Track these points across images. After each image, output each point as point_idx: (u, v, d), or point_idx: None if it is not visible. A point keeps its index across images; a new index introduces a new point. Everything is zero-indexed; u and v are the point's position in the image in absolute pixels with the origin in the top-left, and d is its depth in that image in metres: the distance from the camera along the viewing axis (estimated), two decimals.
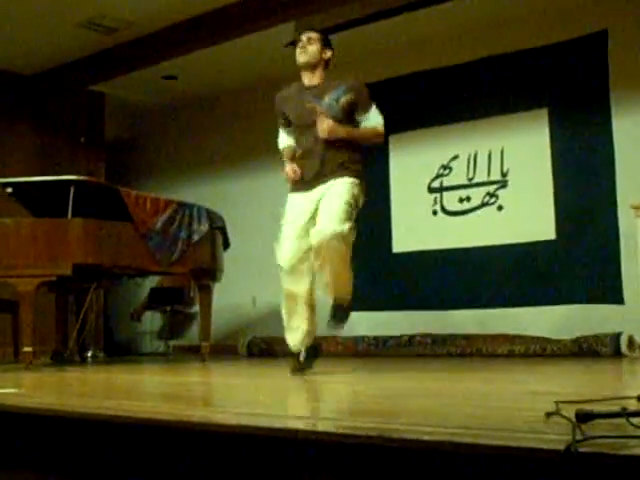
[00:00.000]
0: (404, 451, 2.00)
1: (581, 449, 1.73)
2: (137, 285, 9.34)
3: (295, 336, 5.23)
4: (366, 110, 5.04)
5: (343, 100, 4.97)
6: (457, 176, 7.97)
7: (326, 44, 5.14)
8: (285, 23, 7.61)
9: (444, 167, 8.09)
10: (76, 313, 7.76)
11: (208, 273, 7.49)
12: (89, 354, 8.44)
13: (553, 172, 7.50)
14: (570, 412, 2.11)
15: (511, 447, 1.86)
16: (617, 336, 6.76)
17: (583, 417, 2.04)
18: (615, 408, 2.14)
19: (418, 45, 8.19)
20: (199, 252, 7.31)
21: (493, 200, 7.82)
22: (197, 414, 2.81)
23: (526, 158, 7.68)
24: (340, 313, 5.09)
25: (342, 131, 4.94)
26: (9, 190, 6.77)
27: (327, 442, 2.15)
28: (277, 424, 2.35)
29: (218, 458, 2.41)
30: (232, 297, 9.15)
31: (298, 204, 5.09)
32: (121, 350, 10.16)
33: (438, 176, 8.08)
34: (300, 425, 2.33)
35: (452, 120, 8.04)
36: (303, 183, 5.07)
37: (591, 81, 7.35)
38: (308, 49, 5.06)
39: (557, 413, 2.27)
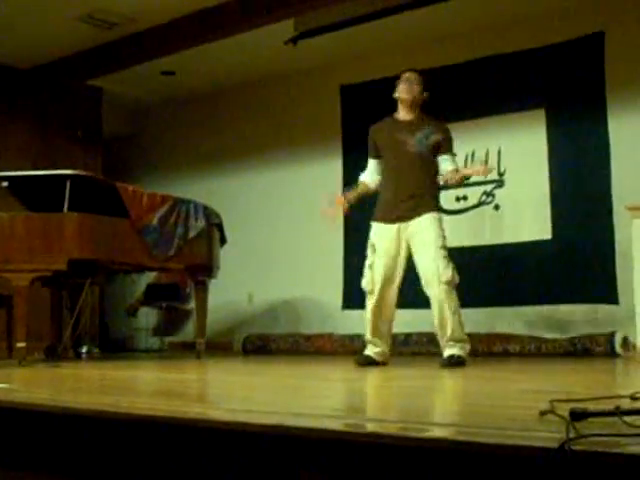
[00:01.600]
0: (397, 449, 2.00)
1: (575, 447, 1.73)
2: (133, 281, 9.34)
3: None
4: (448, 152, 5.65)
5: (432, 138, 5.60)
6: None
7: (425, 87, 5.76)
8: (284, 20, 7.60)
9: None
10: (71, 309, 7.72)
11: (204, 269, 7.48)
12: (84, 350, 8.42)
13: (550, 172, 7.52)
14: (564, 411, 2.12)
15: (505, 445, 1.86)
16: (611, 336, 6.78)
17: (577, 415, 2.05)
18: (609, 407, 2.15)
19: (415, 44, 8.19)
20: (195, 248, 7.30)
21: (490, 199, 7.83)
22: (192, 410, 2.81)
23: (523, 158, 7.69)
24: (451, 363, 5.37)
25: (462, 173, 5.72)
26: (5, 184, 6.75)
27: (322, 439, 2.15)
28: (272, 421, 2.35)
29: (213, 454, 2.41)
30: (228, 294, 9.15)
31: (386, 234, 5.60)
32: (116, 346, 10.16)
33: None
34: (295, 422, 2.33)
35: (450, 119, 7.97)
36: (391, 212, 5.60)
37: (588, 82, 7.36)
38: (414, 88, 5.69)
39: (551, 411, 2.27)
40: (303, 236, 9.05)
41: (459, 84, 8.08)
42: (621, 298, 6.92)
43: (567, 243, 7.38)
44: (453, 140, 5.73)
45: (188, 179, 10.03)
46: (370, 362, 5.60)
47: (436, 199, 5.70)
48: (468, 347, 5.52)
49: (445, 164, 5.63)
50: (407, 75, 5.71)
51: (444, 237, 5.49)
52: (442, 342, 5.50)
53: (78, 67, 8.98)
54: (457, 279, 5.44)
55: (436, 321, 5.48)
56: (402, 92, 5.66)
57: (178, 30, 7.90)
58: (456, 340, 5.43)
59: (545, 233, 7.50)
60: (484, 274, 7.74)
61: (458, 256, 7.74)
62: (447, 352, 5.43)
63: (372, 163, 5.89)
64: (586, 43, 7.36)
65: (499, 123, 7.83)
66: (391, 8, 7.31)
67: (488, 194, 7.83)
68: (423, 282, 5.50)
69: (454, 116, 7.99)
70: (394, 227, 5.55)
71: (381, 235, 5.61)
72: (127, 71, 8.93)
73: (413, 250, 5.52)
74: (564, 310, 7.33)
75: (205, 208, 7.42)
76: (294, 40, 8.05)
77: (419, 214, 5.49)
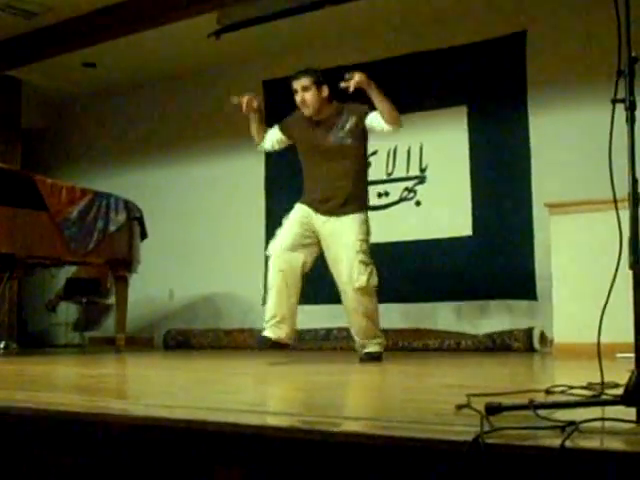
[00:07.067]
0: (313, 443, 2.00)
1: (489, 440, 1.75)
2: (52, 275, 9.18)
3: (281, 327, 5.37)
4: (369, 113, 5.32)
5: (348, 127, 5.32)
6: (376, 171, 7.98)
7: (319, 82, 5.36)
8: (208, 13, 7.55)
9: None
10: None
11: (124, 264, 7.41)
12: (1, 345, 8.27)
13: (471, 169, 7.60)
14: (480, 405, 2.14)
15: (421, 439, 1.87)
16: (529, 331, 6.89)
17: (492, 409, 2.08)
18: (523, 401, 2.18)
19: (337, 40, 8.21)
20: (116, 243, 7.23)
21: (411, 195, 7.88)
22: (108, 405, 2.78)
23: (444, 154, 7.77)
24: (369, 359, 5.37)
25: (370, 82, 5.23)
26: None
27: (239, 434, 2.14)
28: (189, 416, 2.33)
29: (129, 450, 2.37)
30: (149, 289, 9.08)
31: (304, 215, 5.40)
32: (35, 341, 9.99)
33: None
34: (212, 417, 2.31)
35: None
36: (315, 203, 5.39)
37: (509, 80, 7.47)
38: (307, 100, 5.32)
39: (467, 406, 2.29)
40: (224, 231, 9.02)
41: (381, 80, 8.01)
42: (540, 294, 7.04)
43: (487, 239, 7.48)
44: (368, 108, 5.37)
45: (108, 173, 9.91)
46: (273, 345, 5.32)
47: (362, 197, 5.45)
48: (384, 341, 5.52)
49: (375, 120, 5.29)
50: (296, 86, 5.36)
51: (366, 240, 5.32)
52: (357, 340, 5.49)
53: None
54: (374, 282, 5.28)
55: (349, 319, 5.46)
56: (301, 107, 5.38)
57: (100, 21, 7.78)
58: (371, 337, 5.42)
59: (465, 229, 7.58)
60: (405, 270, 7.78)
61: (379, 252, 7.82)
62: (365, 350, 5.42)
63: (275, 133, 5.67)
64: (508, 42, 7.46)
65: (421, 120, 7.86)
66: (313, 3, 7.32)
67: (410, 190, 7.89)
68: (337, 284, 5.38)
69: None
70: (314, 214, 5.36)
71: (299, 212, 5.40)
72: (47, 62, 8.77)
73: (329, 249, 5.36)
74: (483, 306, 7.43)
75: (126, 202, 7.36)
76: (217, 34, 8.02)
77: (342, 214, 5.30)
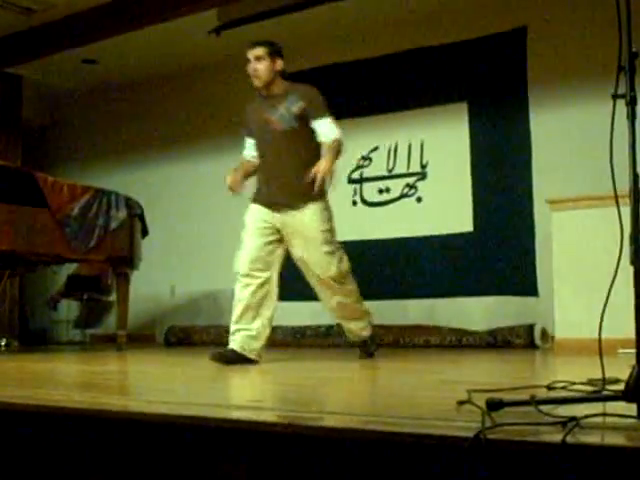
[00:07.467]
0: (317, 439, 2.00)
1: (490, 436, 1.75)
2: (53, 272, 9.19)
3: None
4: (318, 117, 4.97)
5: (294, 109, 4.99)
6: (377, 167, 8.01)
7: (274, 54, 5.10)
8: (208, 10, 7.54)
9: (364, 158, 8.11)
10: None
11: (126, 261, 7.41)
12: (2, 343, 8.28)
13: (472, 165, 7.59)
14: (482, 401, 2.14)
15: (421, 434, 1.87)
16: (531, 328, 6.89)
17: (493, 405, 2.08)
18: (525, 396, 2.18)
19: (339, 36, 8.19)
20: (117, 240, 7.22)
21: (412, 192, 7.87)
22: (110, 402, 2.78)
23: (445, 151, 7.75)
24: (364, 351, 5.35)
25: (329, 164, 4.79)
26: None
27: (240, 430, 2.14)
28: (190, 412, 2.33)
29: (132, 447, 2.38)
30: (150, 286, 9.08)
31: (262, 219, 5.07)
32: (37, 339, 10.00)
33: (358, 167, 8.10)
34: (214, 414, 2.31)
35: (373, 111, 8.07)
36: (268, 198, 5.07)
37: (510, 76, 7.45)
38: (259, 71, 5.04)
39: (469, 402, 2.30)
40: (225, 228, 8.97)
41: (382, 77, 8.11)
42: (541, 290, 7.04)
43: (488, 235, 7.46)
44: (324, 101, 5.04)
45: (110, 170, 9.91)
46: (233, 359, 4.85)
47: (321, 188, 4.92)
48: (371, 321, 5.36)
49: (318, 131, 4.96)
50: (249, 56, 5.11)
51: (329, 229, 5.06)
52: (345, 326, 5.35)
53: None
54: (346, 267, 5.07)
55: (332, 311, 5.30)
56: (252, 78, 5.08)
57: (100, 18, 7.77)
58: (359, 318, 5.28)
59: (466, 225, 7.57)
60: (406, 266, 7.78)
61: (380, 248, 7.85)
62: (357, 337, 5.34)
63: (248, 142, 5.28)
64: (509, 37, 7.44)
65: (422, 116, 7.87)
66: (313, 0, 7.31)
67: (411, 186, 7.88)
68: (307, 278, 5.17)
69: (377, 109, 8.05)
70: (271, 212, 5.05)
71: (256, 215, 5.08)
72: (47, 59, 8.75)
73: (292, 245, 5.07)
74: (485, 302, 7.41)
75: (127, 199, 7.36)
76: (217, 30, 8.01)
77: (297, 207, 4.99)
